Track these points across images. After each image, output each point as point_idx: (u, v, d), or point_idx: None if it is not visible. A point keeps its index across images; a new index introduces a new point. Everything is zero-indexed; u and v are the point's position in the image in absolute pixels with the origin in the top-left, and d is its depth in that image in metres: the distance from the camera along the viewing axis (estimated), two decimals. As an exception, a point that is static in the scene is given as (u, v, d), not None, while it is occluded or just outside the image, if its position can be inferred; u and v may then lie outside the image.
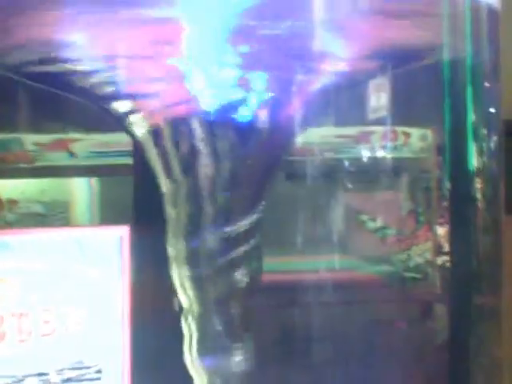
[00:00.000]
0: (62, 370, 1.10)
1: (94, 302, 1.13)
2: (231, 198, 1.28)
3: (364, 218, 1.52)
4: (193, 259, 1.27)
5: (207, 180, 1.26)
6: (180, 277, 1.27)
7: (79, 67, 1.25)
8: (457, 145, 1.53)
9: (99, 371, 1.12)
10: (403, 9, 1.27)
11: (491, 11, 1.45)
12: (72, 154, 1.56)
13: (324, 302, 1.36)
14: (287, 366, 1.41)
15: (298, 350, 1.40)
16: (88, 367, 1.12)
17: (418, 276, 1.63)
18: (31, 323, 1.10)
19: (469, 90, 1.51)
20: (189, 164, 1.26)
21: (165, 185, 1.28)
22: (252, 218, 1.27)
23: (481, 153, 1.53)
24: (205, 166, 1.25)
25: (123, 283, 1.14)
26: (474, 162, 1.53)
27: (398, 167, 1.56)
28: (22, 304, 1.09)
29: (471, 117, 1.52)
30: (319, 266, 1.41)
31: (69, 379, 1.11)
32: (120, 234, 1.15)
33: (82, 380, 1.11)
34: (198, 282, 1.27)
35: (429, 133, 1.62)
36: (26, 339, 1.09)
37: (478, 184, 1.54)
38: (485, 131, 1.54)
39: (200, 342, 1.26)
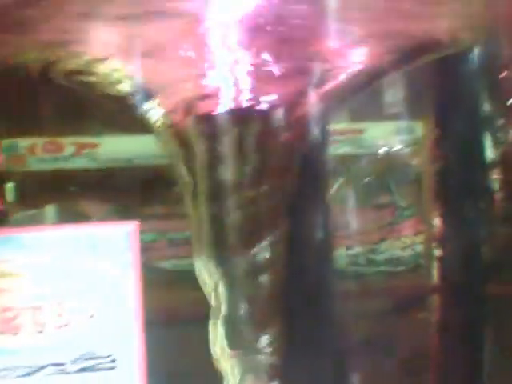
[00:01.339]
0: (77, 359, 1.15)
1: (106, 295, 1.17)
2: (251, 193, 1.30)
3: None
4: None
5: (227, 175, 1.28)
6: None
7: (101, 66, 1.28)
8: (469, 136, 1.54)
9: (113, 361, 1.16)
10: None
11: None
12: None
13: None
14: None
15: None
16: (102, 357, 1.16)
17: (395, 269, 1.64)
18: (45, 316, 1.14)
19: (483, 81, 1.51)
20: (210, 159, 1.29)
21: (185, 178, 1.30)
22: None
23: (496, 144, 1.54)
24: (226, 161, 1.28)
25: (133, 276, 1.18)
26: (488, 152, 1.53)
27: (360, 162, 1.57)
28: (36, 298, 1.14)
29: (485, 108, 1.53)
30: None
31: (84, 369, 1.15)
32: (129, 230, 1.18)
33: (96, 369, 1.15)
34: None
35: (417, 126, 1.63)
36: (41, 331, 1.14)
37: (494, 175, 1.54)
38: (501, 122, 1.54)
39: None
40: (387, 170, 1.62)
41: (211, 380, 1.25)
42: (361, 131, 1.68)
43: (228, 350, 1.26)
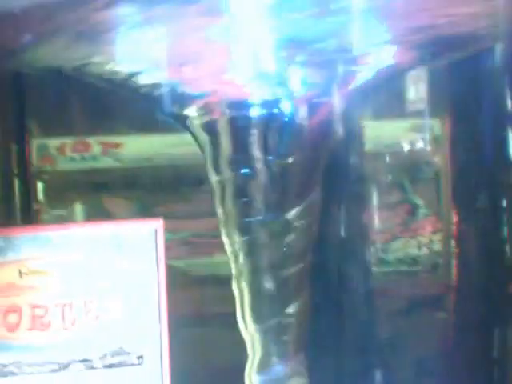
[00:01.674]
0: (104, 356, 1.17)
1: (133, 292, 1.19)
2: (280, 193, 1.31)
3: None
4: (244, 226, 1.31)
5: (257, 176, 1.30)
6: (231, 243, 1.31)
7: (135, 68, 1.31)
8: (490, 134, 1.54)
9: (140, 357, 1.18)
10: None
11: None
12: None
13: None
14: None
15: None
16: (129, 353, 1.18)
17: (410, 268, 1.62)
18: (73, 312, 1.16)
19: (505, 78, 1.51)
20: (239, 160, 1.31)
21: (214, 179, 1.32)
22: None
23: None
24: (255, 161, 1.30)
25: (159, 273, 1.20)
26: (510, 150, 1.54)
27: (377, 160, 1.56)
28: (64, 295, 1.16)
29: (508, 105, 1.53)
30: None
31: (111, 365, 1.17)
32: (155, 227, 1.20)
33: (123, 365, 1.18)
34: (250, 247, 1.31)
35: (436, 124, 1.62)
36: (69, 328, 1.16)
37: None
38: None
39: (252, 305, 1.30)
40: (403, 168, 1.62)
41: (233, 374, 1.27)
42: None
43: (252, 323, 1.27)
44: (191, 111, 1.34)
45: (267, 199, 1.31)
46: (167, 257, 1.20)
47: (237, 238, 1.30)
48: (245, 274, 1.30)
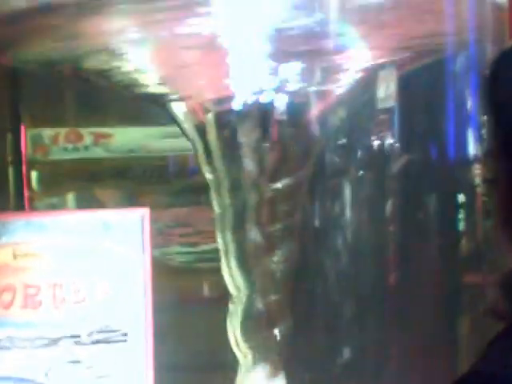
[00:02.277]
0: (91, 332, 1.25)
1: (119, 275, 1.27)
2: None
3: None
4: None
5: (249, 169, 1.37)
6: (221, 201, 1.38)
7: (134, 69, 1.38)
8: (454, 133, 1.61)
9: (125, 334, 1.27)
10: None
11: (495, 5, 1.51)
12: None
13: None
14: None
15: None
16: (114, 331, 1.26)
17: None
18: (64, 292, 1.25)
19: (468, 80, 1.59)
20: (230, 155, 1.38)
21: (208, 174, 1.39)
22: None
23: (480, 140, 1.60)
24: (245, 156, 1.37)
25: (145, 258, 1.28)
26: (471, 148, 1.61)
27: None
28: (56, 276, 1.25)
29: (469, 105, 1.60)
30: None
31: (98, 341, 1.26)
32: (141, 215, 1.28)
33: (109, 342, 1.26)
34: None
35: (397, 122, 1.67)
36: (59, 306, 1.25)
37: (477, 170, 1.61)
38: (484, 119, 1.60)
39: (239, 254, 1.38)
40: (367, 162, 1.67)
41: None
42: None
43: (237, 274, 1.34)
44: (180, 109, 1.41)
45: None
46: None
47: (227, 195, 1.37)
48: (231, 228, 1.37)
